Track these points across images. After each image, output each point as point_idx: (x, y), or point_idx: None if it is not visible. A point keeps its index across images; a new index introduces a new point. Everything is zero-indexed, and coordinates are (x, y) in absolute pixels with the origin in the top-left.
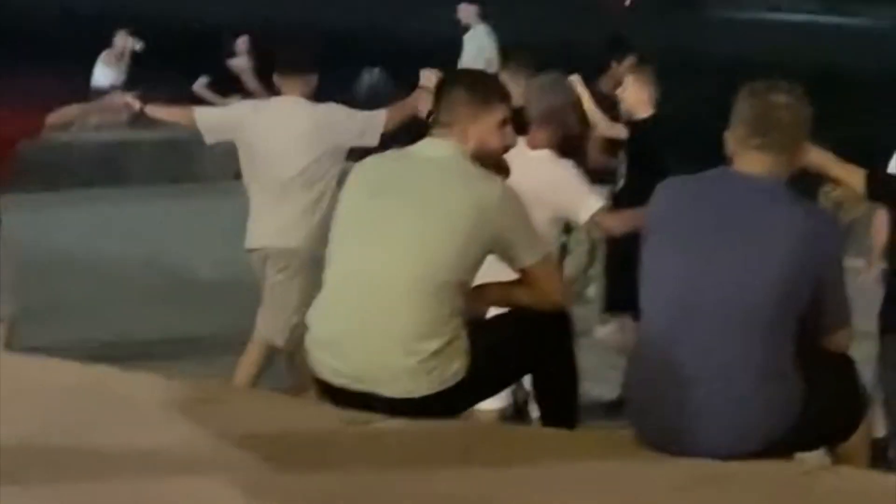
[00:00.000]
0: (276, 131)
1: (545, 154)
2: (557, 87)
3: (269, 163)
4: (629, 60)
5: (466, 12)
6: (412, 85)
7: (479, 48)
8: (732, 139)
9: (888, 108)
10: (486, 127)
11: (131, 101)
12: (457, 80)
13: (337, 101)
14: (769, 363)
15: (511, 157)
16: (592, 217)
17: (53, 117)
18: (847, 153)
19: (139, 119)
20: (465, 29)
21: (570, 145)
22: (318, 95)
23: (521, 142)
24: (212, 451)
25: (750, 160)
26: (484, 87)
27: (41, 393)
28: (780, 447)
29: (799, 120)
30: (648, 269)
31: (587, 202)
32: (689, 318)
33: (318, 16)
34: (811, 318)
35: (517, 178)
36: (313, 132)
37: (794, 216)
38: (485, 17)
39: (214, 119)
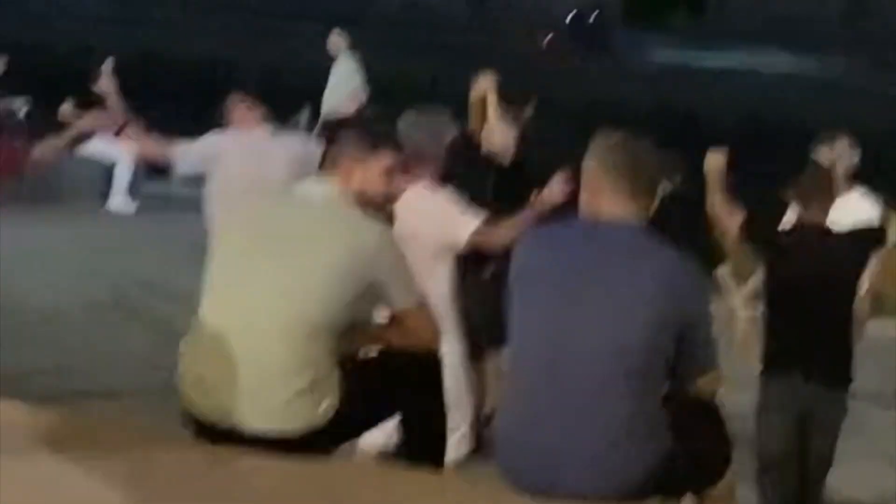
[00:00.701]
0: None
1: (419, 188)
2: (425, 123)
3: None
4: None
5: (335, 43)
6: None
7: (345, 78)
8: (592, 185)
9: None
10: (370, 172)
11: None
12: (350, 123)
13: (206, 126)
14: (637, 410)
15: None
16: (472, 235)
17: (38, 152)
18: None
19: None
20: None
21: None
22: (190, 128)
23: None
24: (77, 488)
25: (610, 206)
26: (373, 132)
27: None
28: (649, 492)
29: (654, 165)
30: (515, 320)
31: (463, 222)
32: (557, 366)
33: (183, 44)
34: (678, 363)
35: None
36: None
37: (655, 262)
38: (353, 46)
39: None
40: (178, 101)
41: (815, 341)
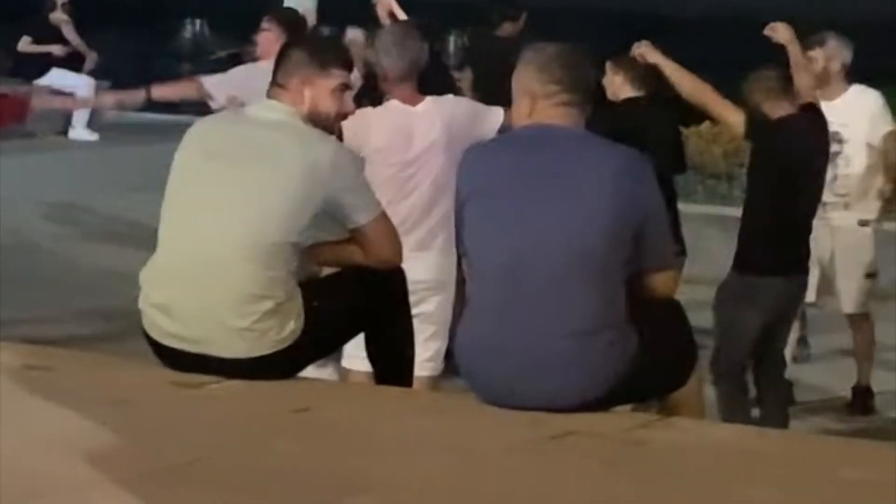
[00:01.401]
0: None
1: (431, 102)
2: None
3: None
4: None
5: None
6: (236, 36)
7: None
8: (529, 96)
9: None
10: (321, 91)
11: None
12: (298, 43)
13: (161, 54)
14: (602, 312)
15: (395, 118)
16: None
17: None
18: None
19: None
20: None
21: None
22: (144, 50)
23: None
24: (41, 418)
25: (550, 115)
26: (323, 51)
27: None
28: (617, 397)
29: (589, 73)
30: (471, 233)
31: (495, 112)
32: (517, 273)
33: None
34: (636, 261)
35: (421, 134)
36: None
37: (607, 161)
38: None
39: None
40: (126, 27)
41: (788, 236)
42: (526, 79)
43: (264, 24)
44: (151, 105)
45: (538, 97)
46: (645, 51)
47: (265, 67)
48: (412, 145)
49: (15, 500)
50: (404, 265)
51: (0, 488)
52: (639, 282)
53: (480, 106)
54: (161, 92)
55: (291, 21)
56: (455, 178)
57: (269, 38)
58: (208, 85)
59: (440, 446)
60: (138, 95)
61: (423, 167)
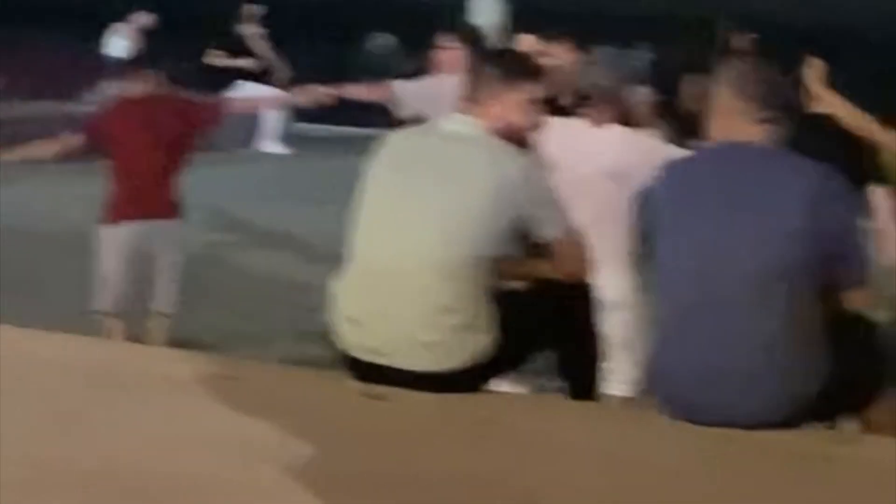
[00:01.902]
0: None
1: (618, 130)
2: (616, 62)
3: None
4: None
5: None
6: (423, 52)
7: (487, 12)
8: (724, 111)
9: None
10: (512, 105)
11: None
12: (488, 57)
13: (349, 66)
14: (793, 328)
15: (575, 135)
16: None
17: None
18: None
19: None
20: None
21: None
22: (331, 63)
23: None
24: (231, 427)
25: (743, 131)
26: (514, 65)
27: (47, 369)
28: (805, 414)
29: (784, 89)
30: (661, 249)
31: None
32: (708, 290)
33: None
34: (827, 279)
35: (594, 156)
36: None
37: (799, 177)
38: None
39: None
40: (316, 41)
41: None
42: (722, 95)
43: (446, 42)
44: (342, 110)
45: (734, 114)
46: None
47: (453, 80)
48: (580, 165)
49: None
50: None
51: (189, 494)
52: (831, 298)
53: (660, 145)
54: (352, 91)
55: (473, 37)
56: (626, 205)
57: (451, 55)
58: (399, 90)
59: (624, 459)
60: (331, 93)
61: (589, 188)
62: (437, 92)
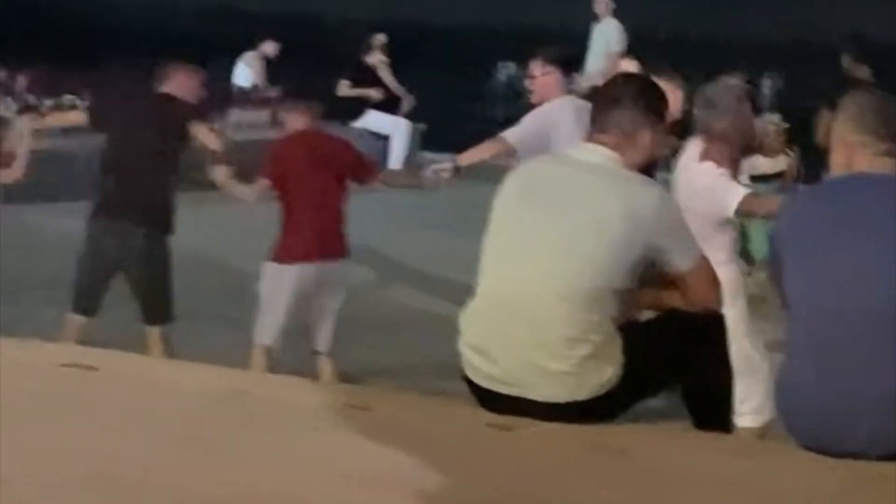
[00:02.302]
0: None
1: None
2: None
3: None
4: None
5: (601, 4)
6: None
7: (606, 41)
8: (845, 144)
9: None
10: (648, 139)
11: (444, 168)
12: (619, 87)
13: (474, 96)
14: None
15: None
16: (739, 204)
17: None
18: None
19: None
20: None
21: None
22: (453, 92)
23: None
24: (360, 458)
25: (876, 164)
26: (647, 98)
27: (184, 398)
28: None
29: None
30: (791, 279)
31: (731, 192)
32: (839, 321)
33: (451, 12)
34: None
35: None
36: None
37: None
38: (615, 12)
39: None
40: (440, 70)
41: None
42: (842, 130)
43: (542, 68)
44: (470, 138)
45: (855, 147)
46: None
47: (553, 108)
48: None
49: None
50: None
51: None
52: None
53: (722, 184)
54: (470, 158)
55: (567, 60)
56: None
57: (548, 80)
58: (512, 140)
59: (752, 491)
60: (447, 168)
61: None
62: (545, 125)
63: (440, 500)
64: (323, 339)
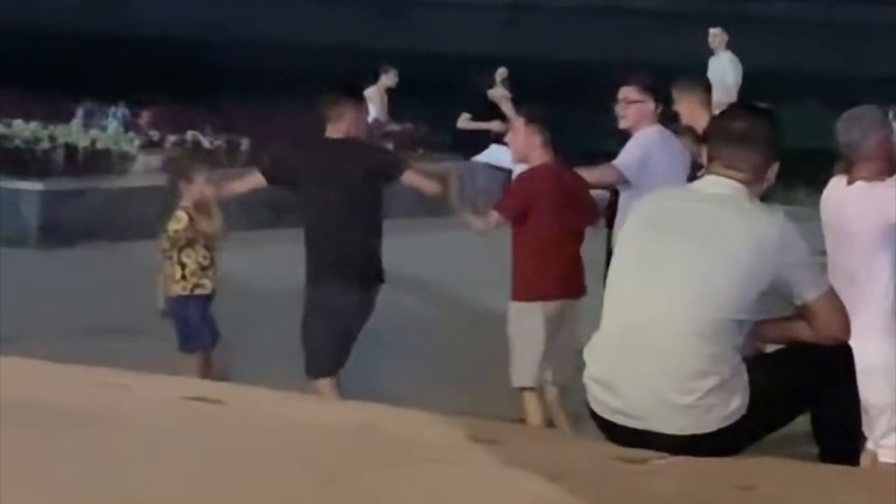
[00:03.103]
0: None
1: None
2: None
3: None
4: None
5: (716, 38)
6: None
7: (721, 73)
8: None
9: None
10: (774, 173)
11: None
12: (748, 122)
13: (597, 129)
14: None
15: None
16: None
17: None
18: None
19: None
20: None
21: None
22: (581, 124)
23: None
24: (488, 492)
25: None
26: (775, 134)
27: (314, 434)
28: None
29: None
30: None
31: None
32: None
33: (571, 48)
34: None
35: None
36: None
37: None
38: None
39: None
40: (563, 103)
41: None
42: None
43: (637, 94)
44: None
45: None
46: None
47: (653, 138)
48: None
49: None
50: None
51: None
52: None
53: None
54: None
55: (657, 87)
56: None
57: (642, 108)
58: (623, 170)
59: None
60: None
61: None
62: (647, 157)
63: None
64: (557, 372)
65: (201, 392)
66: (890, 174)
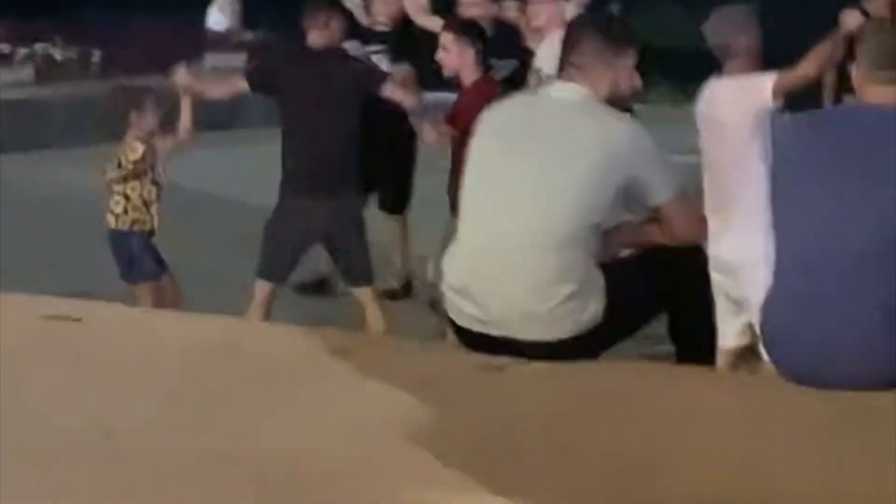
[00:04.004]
0: None
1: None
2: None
3: None
4: None
5: None
6: None
7: None
8: (859, 74)
9: None
10: (620, 72)
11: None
12: (588, 24)
13: None
14: None
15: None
16: (774, 85)
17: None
18: None
19: None
20: None
21: None
22: None
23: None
24: (347, 403)
25: (878, 93)
26: (616, 32)
27: (179, 350)
28: None
29: None
30: (783, 205)
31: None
32: (827, 254)
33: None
34: None
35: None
36: None
37: None
38: None
39: None
40: None
41: None
42: (859, 53)
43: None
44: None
45: (865, 76)
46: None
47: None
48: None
49: (325, 482)
50: (711, 241)
51: (307, 471)
52: None
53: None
54: None
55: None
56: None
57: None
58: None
59: (739, 424)
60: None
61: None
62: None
63: (435, 442)
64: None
65: (60, 310)
66: (760, 70)
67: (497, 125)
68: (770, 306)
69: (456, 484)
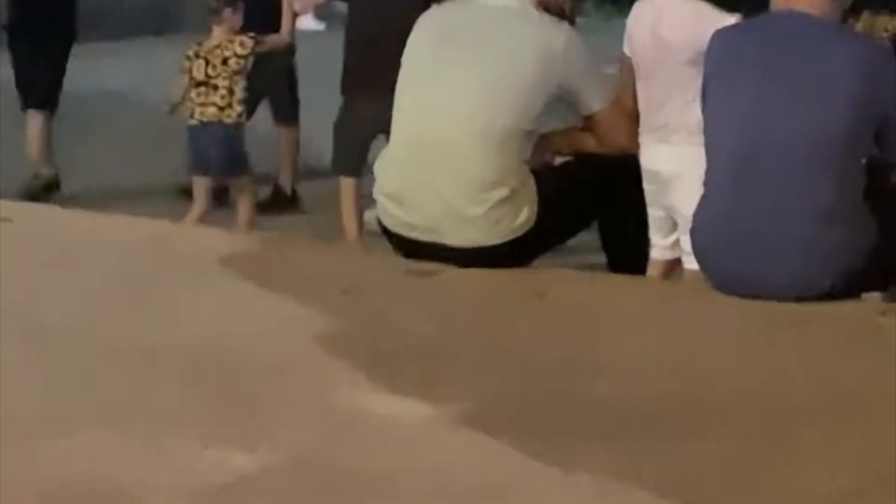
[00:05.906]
0: None
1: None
2: None
3: None
4: None
5: None
6: None
7: None
8: None
9: None
10: None
11: None
12: None
13: None
14: (835, 203)
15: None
16: None
17: None
18: None
19: None
20: None
21: None
22: None
23: None
24: (276, 304)
25: (805, 1)
26: None
27: (105, 250)
28: (848, 288)
29: None
30: (710, 114)
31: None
32: (756, 160)
33: None
34: (877, 151)
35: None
36: None
37: (854, 51)
38: None
39: None
40: None
41: None
42: None
43: None
44: None
45: None
46: None
47: None
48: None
49: (254, 378)
50: (644, 154)
51: (237, 367)
52: (878, 175)
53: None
54: None
55: None
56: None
57: None
58: None
59: (673, 330)
60: None
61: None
62: None
63: (364, 345)
64: None
65: None
66: None
67: (431, 29)
68: (701, 214)
69: (386, 386)
